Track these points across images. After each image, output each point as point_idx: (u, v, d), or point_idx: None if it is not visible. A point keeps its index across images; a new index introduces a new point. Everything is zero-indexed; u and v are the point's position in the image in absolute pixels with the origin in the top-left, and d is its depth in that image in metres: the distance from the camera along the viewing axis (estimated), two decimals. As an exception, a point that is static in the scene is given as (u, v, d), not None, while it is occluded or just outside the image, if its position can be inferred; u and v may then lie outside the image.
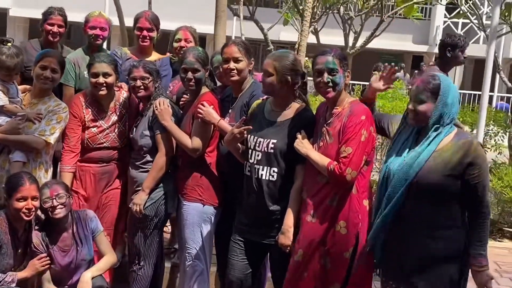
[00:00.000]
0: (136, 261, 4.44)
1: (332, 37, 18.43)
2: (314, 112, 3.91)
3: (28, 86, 4.63)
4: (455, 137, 3.24)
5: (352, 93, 3.86)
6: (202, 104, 4.13)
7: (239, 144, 3.95)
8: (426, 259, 3.25)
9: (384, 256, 3.43)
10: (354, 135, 3.51)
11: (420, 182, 3.20)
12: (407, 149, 3.32)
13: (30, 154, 4.34)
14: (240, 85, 4.20)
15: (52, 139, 4.35)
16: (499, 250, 6.44)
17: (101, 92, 4.45)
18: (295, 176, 3.79)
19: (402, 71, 20.51)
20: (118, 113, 4.60)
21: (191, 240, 4.30)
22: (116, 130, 4.58)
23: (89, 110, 4.53)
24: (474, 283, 3.30)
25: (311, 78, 3.79)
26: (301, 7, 11.45)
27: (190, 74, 4.23)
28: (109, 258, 4.32)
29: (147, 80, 4.37)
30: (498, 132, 8.99)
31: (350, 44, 14.10)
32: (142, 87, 4.38)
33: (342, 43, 14.68)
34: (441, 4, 18.07)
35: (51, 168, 4.58)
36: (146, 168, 4.37)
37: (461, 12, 12.19)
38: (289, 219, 3.74)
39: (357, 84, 13.73)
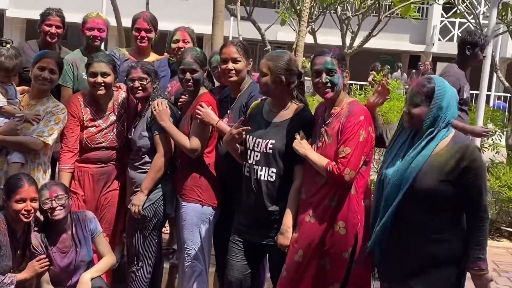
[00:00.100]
0: (135, 262, 4.44)
1: (329, 37, 18.44)
2: (313, 112, 3.92)
3: (26, 88, 4.62)
4: (452, 141, 3.21)
5: (350, 93, 3.86)
6: (201, 105, 4.13)
7: (237, 144, 3.96)
8: (424, 262, 3.24)
9: (383, 258, 3.42)
10: (353, 135, 3.51)
11: (416, 187, 3.18)
12: (403, 153, 3.29)
13: (28, 155, 4.34)
14: (239, 86, 4.21)
15: (50, 140, 4.35)
16: (497, 250, 6.44)
17: (99, 92, 4.45)
18: (294, 176, 3.79)
19: (399, 71, 20.58)
20: (116, 113, 4.60)
21: (190, 241, 4.30)
22: (114, 130, 4.58)
23: (88, 109, 4.53)
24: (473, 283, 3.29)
25: (309, 78, 3.79)
26: (298, 7, 11.45)
27: (188, 75, 4.24)
28: (108, 259, 4.32)
29: (145, 81, 4.37)
30: (496, 132, 9.00)
31: (348, 44, 14.10)
32: (140, 88, 4.38)
33: (340, 43, 14.67)
34: (438, 3, 18.09)
35: (50, 169, 4.57)
36: (145, 169, 4.37)
37: (458, 11, 12.20)
38: (288, 219, 3.74)
39: (355, 84, 13.75)
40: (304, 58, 10.74)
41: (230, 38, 19.54)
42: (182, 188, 4.30)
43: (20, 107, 4.40)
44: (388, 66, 19.34)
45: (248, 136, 3.89)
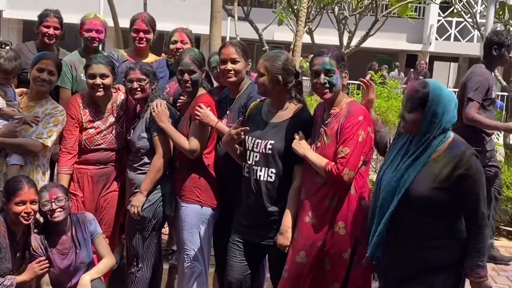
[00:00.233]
0: (135, 263, 4.44)
1: (327, 36, 18.46)
2: (311, 112, 3.92)
3: (25, 89, 4.62)
4: (448, 147, 3.16)
5: (349, 93, 3.86)
6: (199, 106, 4.13)
7: (237, 145, 3.96)
8: (421, 268, 3.21)
9: (381, 262, 3.40)
10: (352, 135, 3.51)
11: (411, 194, 3.14)
12: (401, 157, 3.25)
13: (28, 157, 4.33)
14: (238, 86, 4.21)
15: (49, 142, 4.35)
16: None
17: (98, 94, 4.45)
18: (293, 176, 3.79)
19: (396, 70, 20.61)
20: (115, 115, 4.60)
21: (189, 242, 4.31)
22: (113, 131, 4.58)
23: (87, 111, 4.53)
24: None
25: (306, 78, 3.79)
26: (295, 7, 11.46)
27: (186, 76, 4.24)
28: (108, 260, 4.32)
29: (144, 82, 4.37)
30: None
31: (345, 43, 14.11)
32: (139, 89, 4.38)
33: (337, 43, 14.70)
34: (435, 3, 18.10)
35: (49, 171, 4.58)
36: (144, 170, 4.37)
37: (455, 11, 12.21)
38: (288, 219, 3.74)
39: (352, 83, 13.75)
40: (301, 58, 10.75)
41: (228, 38, 19.54)
42: (181, 189, 4.30)
43: (19, 109, 4.39)
44: (386, 66, 19.37)
45: (247, 136, 3.90)
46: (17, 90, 4.53)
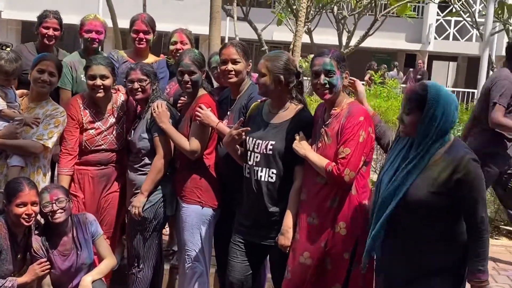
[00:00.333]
0: (136, 264, 4.44)
1: (326, 36, 18.48)
2: (312, 113, 3.92)
3: (25, 91, 4.62)
4: (447, 151, 3.11)
5: (350, 93, 3.85)
6: (200, 107, 4.13)
7: (237, 146, 3.96)
8: (420, 271, 3.18)
9: (381, 265, 3.39)
10: (352, 136, 3.51)
11: (408, 198, 3.11)
12: (400, 159, 3.21)
13: (28, 159, 4.33)
14: (238, 87, 4.21)
15: (50, 143, 4.35)
16: (496, 248, 6.44)
17: (98, 95, 4.45)
18: (294, 177, 3.79)
19: (395, 70, 20.63)
20: (115, 115, 4.60)
21: (190, 242, 4.31)
22: (114, 132, 4.58)
23: (87, 112, 4.53)
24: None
25: (306, 78, 3.79)
26: (294, 7, 11.45)
27: (186, 77, 4.24)
28: (109, 261, 4.32)
29: (144, 83, 4.37)
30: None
31: (344, 43, 14.11)
32: (139, 89, 4.38)
33: (336, 43, 14.70)
34: (433, 2, 18.12)
35: (49, 172, 4.58)
36: (145, 170, 4.37)
37: (453, 10, 12.22)
38: (289, 220, 3.74)
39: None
40: (300, 58, 10.75)
41: (227, 39, 19.55)
42: (182, 190, 4.30)
43: (20, 110, 4.39)
44: (385, 65, 19.39)
45: (248, 137, 3.90)
46: (18, 92, 4.53)
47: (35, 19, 5.20)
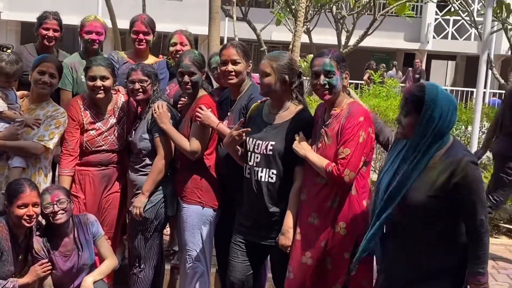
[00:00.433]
0: (137, 264, 4.45)
1: (325, 36, 18.49)
2: (312, 113, 3.93)
3: (25, 92, 4.62)
4: (445, 154, 3.08)
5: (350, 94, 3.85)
6: (200, 108, 4.14)
7: (238, 146, 3.97)
8: (419, 273, 3.17)
9: (381, 266, 3.38)
10: (352, 136, 3.51)
11: (407, 201, 3.09)
12: (399, 161, 3.19)
13: (29, 160, 4.34)
14: (239, 88, 4.22)
15: (51, 144, 4.36)
16: (496, 247, 6.46)
17: (98, 96, 4.46)
18: (294, 177, 3.80)
19: (394, 69, 20.63)
20: (116, 116, 4.60)
21: (191, 242, 4.32)
22: (114, 133, 4.58)
23: (88, 112, 4.54)
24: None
25: (304, 78, 3.79)
26: (293, 7, 11.46)
27: (186, 78, 4.25)
28: (111, 261, 4.33)
29: (145, 83, 4.38)
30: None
31: (343, 43, 14.12)
32: (140, 90, 4.39)
33: (335, 42, 14.70)
34: (432, 1, 18.13)
35: (51, 173, 4.59)
36: (146, 171, 4.38)
37: (452, 9, 12.23)
38: (289, 220, 3.75)
39: (350, 83, 13.76)
40: (299, 58, 10.75)
41: (226, 39, 19.56)
42: (183, 190, 4.32)
43: (20, 112, 4.40)
44: (384, 65, 19.39)
45: (248, 138, 3.91)
46: (18, 93, 4.54)
47: (35, 20, 5.21)
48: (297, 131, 3.75)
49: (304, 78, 4.54)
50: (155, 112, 4.29)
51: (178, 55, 4.78)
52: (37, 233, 4.19)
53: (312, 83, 3.70)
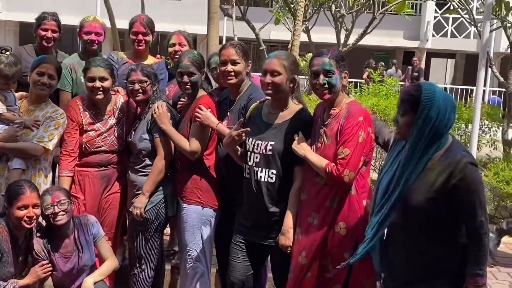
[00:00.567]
0: (137, 264, 4.46)
1: (324, 34, 18.46)
2: (311, 112, 3.92)
3: (24, 93, 4.62)
4: (444, 154, 3.05)
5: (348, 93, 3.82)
6: (200, 108, 4.13)
7: (237, 146, 3.96)
8: (419, 274, 3.16)
9: (382, 266, 3.35)
10: (352, 136, 3.50)
11: (406, 203, 3.08)
12: (398, 161, 3.16)
13: (29, 161, 4.35)
14: (238, 88, 4.21)
15: (50, 145, 4.36)
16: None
17: (97, 97, 4.46)
18: (294, 177, 3.80)
19: (393, 67, 20.61)
20: (115, 117, 4.61)
21: (191, 243, 4.32)
22: (114, 133, 4.58)
23: (87, 113, 4.54)
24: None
25: (303, 77, 3.77)
26: (292, 6, 11.44)
27: (186, 78, 4.25)
28: (111, 262, 4.34)
29: (145, 84, 4.38)
30: (492, 127, 9.04)
31: (342, 41, 14.10)
32: (140, 90, 4.39)
33: (334, 41, 14.67)
34: (431, -1, 18.10)
35: (51, 174, 4.59)
36: (146, 172, 4.38)
37: (451, 7, 12.21)
38: (289, 220, 3.75)
39: (349, 81, 13.72)
40: (298, 57, 10.73)
41: (224, 38, 19.53)
42: (183, 190, 4.31)
43: (19, 113, 4.40)
44: (383, 63, 19.37)
45: (247, 138, 3.90)
46: (17, 94, 4.54)
47: (33, 21, 5.20)
48: (297, 131, 3.75)
49: (304, 77, 4.53)
50: (155, 113, 4.29)
51: (177, 56, 4.79)
52: (38, 234, 4.19)
53: (311, 82, 3.70)
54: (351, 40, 13.07)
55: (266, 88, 3.81)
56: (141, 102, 4.49)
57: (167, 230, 5.44)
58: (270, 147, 3.80)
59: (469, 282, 3.10)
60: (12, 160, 4.28)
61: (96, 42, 5.12)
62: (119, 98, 4.67)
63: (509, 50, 9.97)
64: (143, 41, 5.10)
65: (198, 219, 4.29)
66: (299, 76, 3.99)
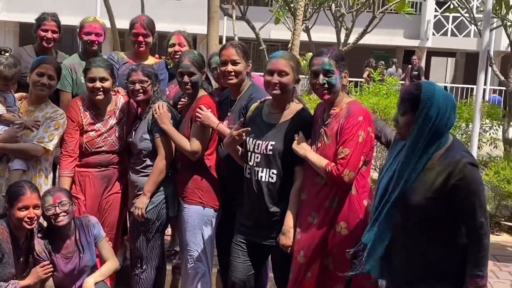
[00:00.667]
0: (139, 265, 4.46)
1: (324, 34, 18.46)
2: (312, 112, 3.92)
3: (24, 94, 4.62)
4: (444, 154, 3.02)
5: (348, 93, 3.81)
6: (200, 108, 4.13)
7: (238, 146, 3.96)
8: (419, 273, 3.14)
9: (384, 265, 3.32)
10: (352, 136, 3.50)
11: (407, 203, 3.06)
12: (398, 161, 3.14)
13: (30, 162, 4.35)
14: (238, 88, 4.21)
15: (51, 146, 4.36)
16: (497, 244, 6.47)
17: (98, 97, 4.46)
18: (295, 177, 3.80)
19: (394, 66, 20.61)
20: (116, 117, 4.60)
21: (192, 243, 4.32)
22: (114, 134, 4.58)
23: (87, 113, 4.54)
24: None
25: (303, 76, 3.78)
26: (292, 5, 11.43)
27: (186, 78, 4.25)
28: (112, 263, 4.33)
29: (146, 84, 4.38)
30: (492, 126, 9.04)
31: (342, 41, 14.09)
32: (141, 90, 4.39)
33: (334, 40, 14.66)
34: (431, -2, 18.08)
35: (51, 174, 4.59)
36: (146, 172, 4.38)
37: (451, 6, 12.21)
38: (290, 220, 3.75)
39: (350, 81, 13.71)
40: (298, 56, 10.73)
41: (224, 38, 19.52)
42: (184, 191, 4.31)
43: (19, 114, 4.40)
44: (383, 62, 19.36)
45: (248, 138, 3.90)
46: (17, 95, 4.54)
47: (33, 21, 5.21)
48: (297, 131, 3.75)
49: (304, 76, 4.53)
50: (156, 113, 4.29)
51: (176, 56, 4.78)
52: (39, 235, 4.19)
53: (311, 82, 3.69)
54: (351, 39, 13.07)
55: (273, 88, 3.79)
56: (141, 102, 4.49)
57: (168, 230, 5.44)
58: (271, 147, 3.80)
59: (469, 283, 3.07)
60: (13, 161, 4.28)
61: (96, 42, 5.12)
62: (120, 99, 4.67)
63: (509, 49, 9.97)
64: (143, 43, 5.09)
65: (199, 219, 4.29)
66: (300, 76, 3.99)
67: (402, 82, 17.80)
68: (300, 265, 3.69)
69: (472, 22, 10.21)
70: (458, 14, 13.73)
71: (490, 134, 8.96)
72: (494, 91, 19.64)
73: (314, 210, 3.65)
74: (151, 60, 5.20)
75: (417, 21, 24.53)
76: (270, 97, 3.91)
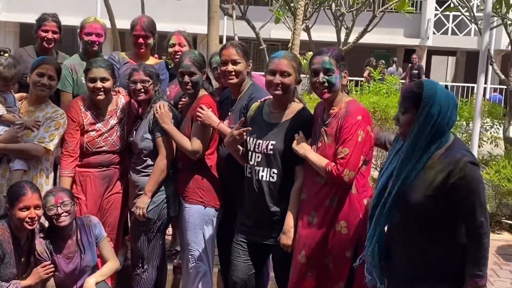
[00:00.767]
0: (140, 265, 4.46)
1: (324, 33, 18.46)
2: (312, 111, 3.93)
3: (24, 94, 4.63)
4: (445, 153, 3.00)
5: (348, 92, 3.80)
6: (201, 107, 4.14)
7: (239, 146, 3.97)
8: (419, 272, 3.12)
9: (384, 264, 3.30)
10: (351, 135, 3.50)
11: (406, 201, 3.04)
12: (397, 160, 3.12)
13: (31, 162, 4.35)
14: (239, 87, 4.21)
15: (51, 146, 4.36)
16: (498, 243, 6.47)
17: (99, 97, 4.46)
18: (295, 177, 3.80)
19: (394, 65, 20.61)
20: (116, 117, 4.60)
21: (193, 242, 4.32)
22: (115, 134, 4.58)
23: (88, 113, 4.54)
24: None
25: (303, 75, 3.78)
26: (292, 5, 11.44)
27: (187, 78, 4.25)
28: (113, 263, 4.34)
29: (147, 83, 4.39)
30: (493, 124, 9.05)
31: (342, 40, 14.10)
32: (142, 90, 4.39)
33: (334, 39, 14.67)
34: (431, -3, 18.08)
35: (52, 174, 4.59)
36: (147, 172, 4.38)
37: (452, 5, 12.22)
38: (290, 219, 3.76)
39: (350, 80, 13.72)
40: (299, 55, 10.73)
41: (225, 38, 19.52)
42: (185, 190, 4.32)
43: (20, 114, 4.40)
44: (383, 61, 19.37)
45: (248, 137, 3.91)
46: (17, 95, 4.54)
47: (34, 21, 5.21)
48: (297, 130, 3.75)
49: (304, 76, 4.53)
50: (157, 112, 4.29)
51: (177, 56, 4.79)
52: (40, 235, 4.19)
53: (311, 81, 3.69)
54: (351, 39, 13.08)
55: (275, 89, 3.79)
56: (143, 102, 4.49)
57: (169, 230, 5.44)
58: (271, 147, 3.80)
59: (469, 283, 3.05)
60: (14, 161, 4.28)
61: (97, 43, 5.12)
62: (120, 99, 4.67)
63: (509, 48, 9.97)
64: (144, 44, 5.09)
65: (200, 219, 4.29)
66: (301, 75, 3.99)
67: (403, 81, 17.82)
68: (301, 264, 3.69)
69: (473, 21, 10.23)
70: (459, 13, 13.74)
71: (490, 133, 8.97)
72: (495, 89, 19.65)
73: (314, 209, 3.65)
74: (151, 61, 5.20)
75: (418, 20, 24.53)
76: (271, 97, 3.92)
